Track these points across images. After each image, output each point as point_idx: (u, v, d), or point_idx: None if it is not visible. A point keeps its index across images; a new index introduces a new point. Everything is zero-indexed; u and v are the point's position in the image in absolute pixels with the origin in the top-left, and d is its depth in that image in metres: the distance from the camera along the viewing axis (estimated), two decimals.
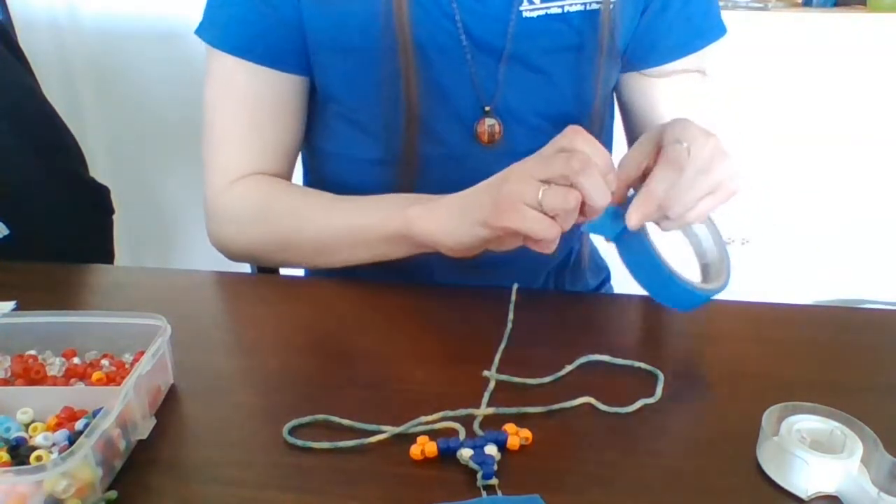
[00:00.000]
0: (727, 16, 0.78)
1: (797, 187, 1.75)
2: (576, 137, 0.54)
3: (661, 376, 0.56)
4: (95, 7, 1.71)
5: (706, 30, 0.77)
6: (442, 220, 0.62)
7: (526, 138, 0.75)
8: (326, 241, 0.71)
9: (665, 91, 0.78)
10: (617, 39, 0.74)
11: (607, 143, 0.84)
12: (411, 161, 0.74)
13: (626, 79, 0.80)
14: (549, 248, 0.55)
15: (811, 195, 1.75)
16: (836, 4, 1.76)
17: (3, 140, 0.95)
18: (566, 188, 0.53)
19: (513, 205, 0.55)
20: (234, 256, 0.79)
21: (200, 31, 0.74)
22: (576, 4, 0.70)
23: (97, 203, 1.09)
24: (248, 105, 0.75)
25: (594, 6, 0.71)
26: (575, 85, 0.75)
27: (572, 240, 0.84)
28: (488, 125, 0.74)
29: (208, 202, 0.78)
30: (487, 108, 0.73)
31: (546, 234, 0.54)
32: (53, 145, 1.02)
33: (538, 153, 0.57)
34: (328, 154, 0.81)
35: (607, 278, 0.96)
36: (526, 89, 0.73)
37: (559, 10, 0.70)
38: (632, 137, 0.84)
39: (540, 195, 0.53)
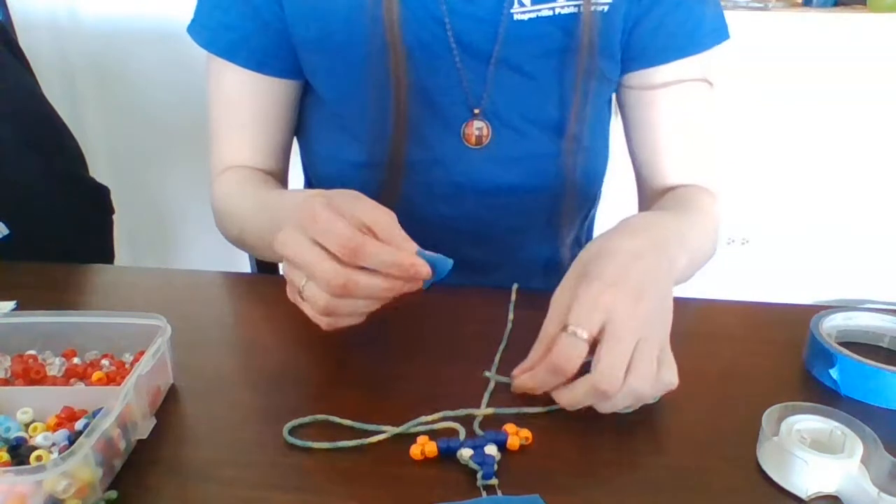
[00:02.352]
0: (727, 16, 0.76)
1: (797, 187, 1.75)
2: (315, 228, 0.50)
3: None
4: (95, 7, 1.71)
5: (702, 35, 0.74)
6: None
7: (512, 141, 0.75)
8: (258, 248, 0.74)
9: (666, 109, 0.76)
10: (611, 41, 0.72)
11: (602, 148, 0.83)
12: (398, 165, 0.74)
13: (626, 96, 0.78)
14: (323, 328, 0.53)
15: (811, 195, 1.75)
16: (836, 4, 1.76)
17: (3, 140, 0.95)
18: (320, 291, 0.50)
19: (290, 289, 0.54)
20: (226, 239, 0.81)
21: (192, 31, 0.75)
22: (567, 7, 0.69)
23: (97, 203, 1.09)
24: (235, 105, 0.77)
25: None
26: (562, 89, 0.74)
27: (555, 242, 0.83)
28: (476, 128, 0.73)
29: (210, 191, 0.81)
30: (476, 111, 0.73)
31: (316, 321, 0.53)
32: (53, 146, 1.02)
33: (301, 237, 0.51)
34: (319, 155, 0.81)
35: None
36: (514, 92, 0.73)
37: (550, 13, 0.70)
38: (633, 156, 0.82)
39: (302, 284, 0.51)
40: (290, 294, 0.54)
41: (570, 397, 0.49)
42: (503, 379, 0.55)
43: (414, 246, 0.51)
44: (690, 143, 0.77)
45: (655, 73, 0.75)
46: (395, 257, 0.49)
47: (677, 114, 0.76)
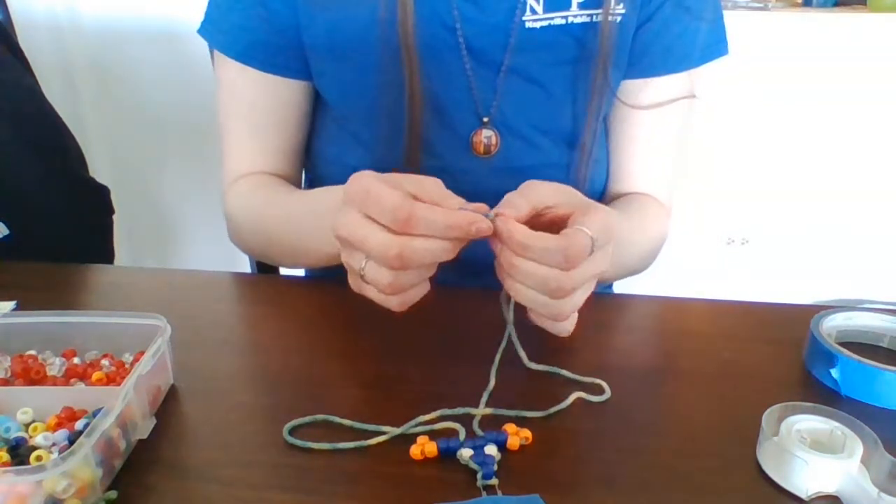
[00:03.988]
0: (726, 16, 0.76)
1: (797, 187, 1.75)
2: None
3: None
4: (95, 7, 1.71)
5: (695, 51, 0.74)
6: None
7: (521, 151, 0.74)
8: (287, 255, 0.74)
9: (645, 127, 0.77)
10: (622, 51, 0.72)
11: (604, 156, 0.82)
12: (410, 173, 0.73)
13: (613, 108, 0.78)
14: (395, 309, 0.52)
15: (811, 195, 1.75)
16: (836, 4, 1.76)
17: (3, 140, 0.95)
18: (382, 267, 0.49)
19: (350, 278, 0.53)
20: (247, 254, 0.80)
21: (204, 33, 0.74)
22: (580, 16, 0.69)
23: (97, 203, 1.09)
24: (250, 109, 0.76)
25: (599, 18, 0.69)
26: (573, 99, 0.73)
27: None
28: (485, 136, 0.73)
29: (222, 201, 0.80)
30: (485, 119, 0.72)
31: (385, 305, 0.52)
32: (53, 146, 1.03)
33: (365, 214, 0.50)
34: (323, 158, 0.81)
35: (609, 286, 0.95)
36: (524, 101, 0.72)
37: (563, 21, 0.69)
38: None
39: (363, 265, 0.50)
40: (353, 283, 0.53)
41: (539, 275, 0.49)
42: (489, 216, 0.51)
43: (459, 202, 0.51)
44: (660, 158, 0.79)
45: (644, 87, 0.75)
46: (451, 220, 0.48)
47: (655, 133, 0.78)
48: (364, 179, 0.50)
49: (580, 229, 0.49)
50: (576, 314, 0.54)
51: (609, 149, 0.82)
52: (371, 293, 0.52)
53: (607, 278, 0.70)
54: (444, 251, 0.49)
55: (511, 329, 0.58)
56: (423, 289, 0.52)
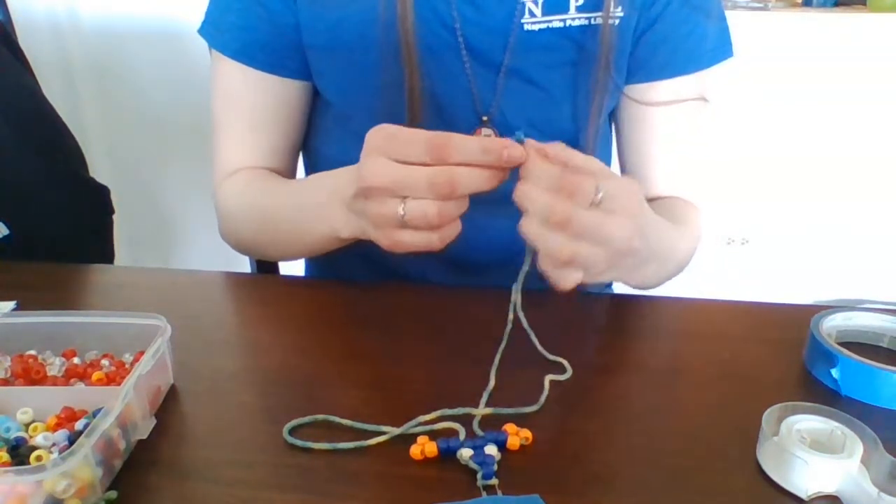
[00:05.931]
0: (726, 16, 0.76)
1: (797, 187, 1.75)
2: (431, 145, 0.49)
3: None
4: (95, 7, 1.71)
5: (702, 53, 0.74)
6: (357, 229, 0.59)
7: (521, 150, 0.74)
8: (281, 241, 0.72)
9: (659, 127, 0.77)
10: (621, 54, 0.72)
11: (607, 157, 0.82)
12: None
13: (621, 108, 0.78)
14: (437, 247, 0.52)
15: (811, 195, 1.75)
16: (836, 4, 1.77)
17: (3, 140, 0.95)
18: (425, 200, 0.50)
19: (383, 232, 0.53)
20: (236, 249, 0.80)
21: (203, 32, 0.75)
22: (578, 19, 0.69)
23: (97, 203, 1.09)
24: (248, 108, 0.76)
25: (598, 21, 0.69)
26: (573, 100, 0.73)
27: None
28: (485, 135, 0.73)
29: (213, 198, 0.79)
30: (485, 119, 0.72)
31: (427, 247, 0.52)
32: (53, 146, 1.03)
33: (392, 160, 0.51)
34: (324, 157, 0.81)
35: (609, 286, 0.95)
36: (523, 102, 0.72)
37: (561, 24, 0.69)
38: (621, 160, 0.83)
39: (401, 211, 0.50)
40: (386, 235, 0.52)
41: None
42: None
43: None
44: (679, 158, 0.79)
45: (653, 90, 0.75)
46: (485, 143, 0.49)
47: (670, 132, 0.77)
48: (386, 128, 0.51)
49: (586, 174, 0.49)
50: (579, 275, 0.52)
51: (622, 154, 0.81)
52: (410, 237, 0.52)
53: (650, 284, 0.69)
54: (485, 180, 0.50)
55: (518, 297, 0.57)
56: (458, 227, 0.53)
